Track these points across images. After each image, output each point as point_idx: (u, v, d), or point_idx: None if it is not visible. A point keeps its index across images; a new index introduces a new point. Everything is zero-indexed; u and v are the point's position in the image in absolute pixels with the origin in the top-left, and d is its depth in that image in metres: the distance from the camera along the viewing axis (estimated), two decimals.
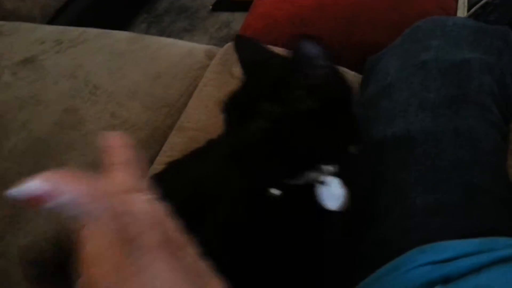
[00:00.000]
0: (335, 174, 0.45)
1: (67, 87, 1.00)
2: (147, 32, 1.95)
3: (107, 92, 0.97)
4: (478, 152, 0.52)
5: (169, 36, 1.82)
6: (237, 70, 0.88)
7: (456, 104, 0.54)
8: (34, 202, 0.23)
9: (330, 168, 0.44)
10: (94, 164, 0.85)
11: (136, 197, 0.25)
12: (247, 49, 0.54)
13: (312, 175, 0.44)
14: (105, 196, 0.24)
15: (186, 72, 0.97)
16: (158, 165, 0.80)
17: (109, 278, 0.22)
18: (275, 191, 0.44)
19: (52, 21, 1.69)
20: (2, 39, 1.22)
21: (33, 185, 0.23)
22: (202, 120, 0.83)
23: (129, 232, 0.23)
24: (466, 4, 1.17)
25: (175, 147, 0.82)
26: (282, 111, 0.42)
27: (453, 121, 0.53)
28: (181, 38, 1.70)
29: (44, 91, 1.01)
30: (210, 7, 2.01)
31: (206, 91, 0.87)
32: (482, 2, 1.11)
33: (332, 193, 0.44)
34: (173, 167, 0.66)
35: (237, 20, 1.85)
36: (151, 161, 0.84)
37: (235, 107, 0.45)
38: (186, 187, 0.56)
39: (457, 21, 0.63)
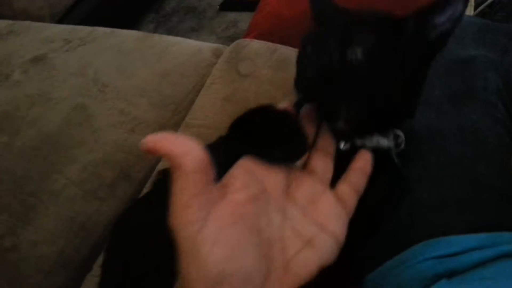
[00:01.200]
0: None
1: (76, 85, 1.01)
2: (155, 31, 1.96)
3: (115, 89, 0.98)
4: (483, 148, 0.52)
5: (176, 35, 1.83)
6: (244, 68, 0.89)
7: (461, 101, 0.55)
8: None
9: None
10: (103, 160, 0.86)
11: None
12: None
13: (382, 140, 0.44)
14: None
15: (193, 70, 0.98)
16: (165, 161, 0.81)
17: None
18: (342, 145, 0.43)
19: (61, 20, 1.71)
20: (12, 38, 1.24)
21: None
22: (208, 117, 0.84)
23: None
24: (472, 3, 1.17)
25: None
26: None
27: (458, 117, 0.54)
28: (188, 37, 1.69)
29: (54, 88, 1.02)
30: (217, 7, 2.02)
31: (213, 89, 0.87)
32: (489, 1, 1.11)
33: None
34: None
35: (244, 20, 1.86)
36: (159, 159, 0.85)
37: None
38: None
39: (463, 19, 0.63)
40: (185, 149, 0.30)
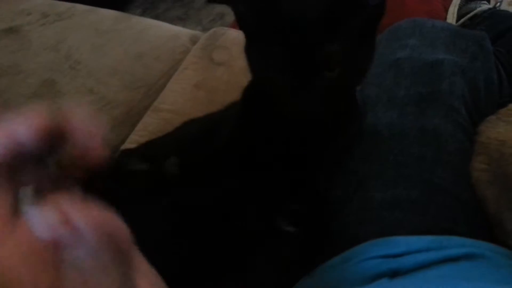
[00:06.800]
0: None
1: (48, 60, 0.99)
2: (141, 16, 1.93)
3: (87, 67, 0.95)
4: (442, 151, 0.52)
5: None
6: (218, 56, 0.88)
7: (425, 103, 0.54)
8: None
9: None
10: None
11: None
12: None
13: None
14: None
15: (168, 55, 0.96)
16: (130, 144, 0.80)
17: None
18: None
19: None
20: None
21: None
22: (178, 102, 0.82)
23: None
24: (455, 15, 1.18)
25: (148, 127, 0.81)
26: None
27: (420, 119, 0.53)
28: None
29: (25, 61, 0.99)
30: None
31: (185, 74, 0.86)
32: (471, 14, 1.12)
33: None
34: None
35: (231, 14, 1.82)
36: (123, 140, 0.83)
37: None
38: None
39: (436, 24, 0.63)
40: None
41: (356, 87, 0.51)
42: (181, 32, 1.01)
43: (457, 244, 0.45)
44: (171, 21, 1.89)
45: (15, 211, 0.20)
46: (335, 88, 0.42)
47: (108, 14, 1.10)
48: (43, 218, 0.19)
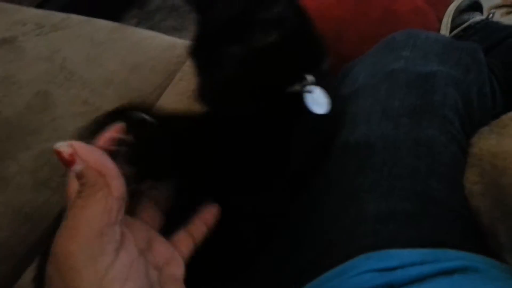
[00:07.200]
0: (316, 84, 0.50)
1: (42, 71, 0.98)
2: (136, 27, 1.93)
3: (82, 78, 0.95)
4: (436, 163, 0.52)
5: None
6: None
7: (419, 114, 0.54)
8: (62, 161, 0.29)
9: (311, 78, 0.50)
10: None
11: None
12: None
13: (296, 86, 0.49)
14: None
15: (164, 66, 0.96)
16: None
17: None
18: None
19: (39, 6, 1.67)
20: None
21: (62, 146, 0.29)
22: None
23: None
24: (449, 26, 1.19)
25: None
26: (246, 52, 0.45)
27: (414, 131, 0.53)
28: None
29: (19, 72, 0.99)
30: None
31: (180, 85, 0.86)
32: (464, 25, 1.13)
33: (317, 99, 0.50)
34: None
35: None
36: None
37: (201, 53, 0.50)
38: None
39: (430, 36, 0.64)
40: (114, 172, 0.29)
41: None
42: (177, 42, 1.01)
43: (451, 257, 0.45)
44: (167, 31, 1.89)
45: None
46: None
47: (103, 24, 1.11)
48: None
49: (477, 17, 1.17)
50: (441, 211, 0.50)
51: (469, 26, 1.12)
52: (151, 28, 1.94)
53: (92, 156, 0.29)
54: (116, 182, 0.29)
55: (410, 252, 0.45)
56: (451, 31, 1.18)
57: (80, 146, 0.28)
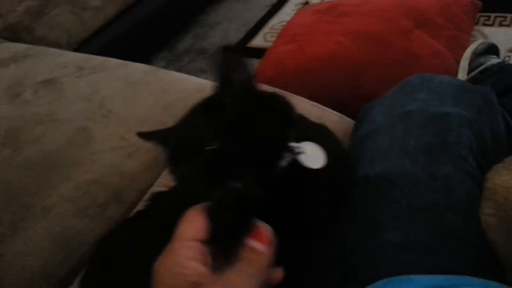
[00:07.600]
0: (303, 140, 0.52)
1: (82, 109, 1.06)
2: (165, 68, 2.04)
3: (119, 116, 1.02)
4: (452, 197, 0.56)
5: None
6: None
7: (435, 152, 0.58)
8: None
9: (294, 142, 0.51)
10: (97, 181, 0.89)
11: None
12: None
13: (287, 156, 0.50)
14: None
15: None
16: (158, 187, 0.85)
17: None
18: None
19: (77, 50, 1.79)
20: (29, 61, 1.32)
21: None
22: None
23: None
24: (466, 68, 1.24)
25: None
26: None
27: (430, 167, 0.57)
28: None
29: (60, 110, 1.07)
30: None
31: None
32: (481, 68, 1.18)
33: (312, 154, 0.52)
34: None
35: (250, 66, 1.93)
36: (152, 183, 0.88)
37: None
38: None
39: (444, 79, 0.69)
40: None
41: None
42: (207, 84, 1.08)
43: (469, 283, 0.48)
44: (194, 72, 1.99)
45: None
46: None
47: (138, 67, 1.19)
48: None
49: (494, 60, 1.21)
50: (457, 242, 0.53)
51: (485, 69, 1.16)
52: (179, 69, 2.04)
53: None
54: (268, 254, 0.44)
55: (430, 278, 0.48)
56: (468, 73, 1.23)
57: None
